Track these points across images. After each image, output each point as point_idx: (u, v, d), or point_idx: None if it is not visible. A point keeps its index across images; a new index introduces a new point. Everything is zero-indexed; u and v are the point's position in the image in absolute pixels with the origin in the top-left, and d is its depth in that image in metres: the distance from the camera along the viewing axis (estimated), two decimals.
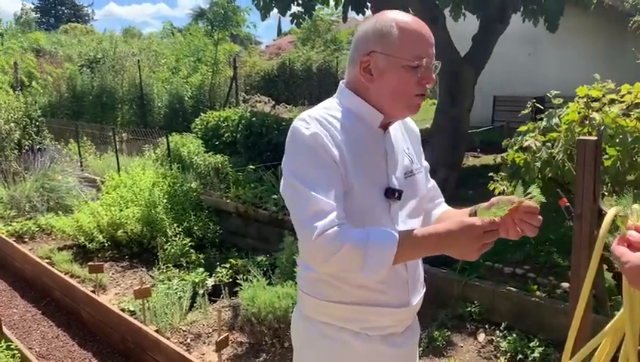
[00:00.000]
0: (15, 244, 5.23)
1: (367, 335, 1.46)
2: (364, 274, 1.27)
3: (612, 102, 3.30)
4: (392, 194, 1.41)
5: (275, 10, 8.21)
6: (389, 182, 1.43)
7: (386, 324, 1.48)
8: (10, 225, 6.11)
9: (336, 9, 9.04)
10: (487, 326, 3.62)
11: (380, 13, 1.44)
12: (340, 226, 1.26)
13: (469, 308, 3.73)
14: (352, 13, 8.65)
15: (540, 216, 1.28)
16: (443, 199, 1.72)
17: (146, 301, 3.81)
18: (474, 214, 1.42)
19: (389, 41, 1.36)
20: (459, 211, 1.57)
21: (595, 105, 3.26)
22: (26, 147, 8.48)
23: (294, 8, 8.29)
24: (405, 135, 1.57)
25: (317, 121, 1.36)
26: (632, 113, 3.23)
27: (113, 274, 5.00)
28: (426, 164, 1.66)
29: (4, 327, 3.45)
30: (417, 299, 1.53)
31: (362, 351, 1.47)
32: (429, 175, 1.67)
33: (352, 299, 1.43)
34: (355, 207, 1.35)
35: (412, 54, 1.36)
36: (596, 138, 2.17)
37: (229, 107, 10.43)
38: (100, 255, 5.30)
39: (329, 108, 1.43)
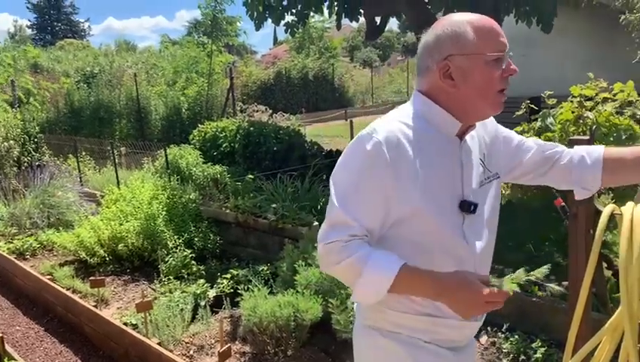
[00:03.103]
0: (16, 262, 5.24)
1: (436, 346, 1.45)
2: (355, 294, 1.30)
3: (605, 100, 3.33)
4: (467, 207, 1.38)
5: (270, 20, 8.25)
6: (464, 194, 1.39)
7: (454, 338, 1.47)
8: (11, 242, 6.12)
9: (329, 17, 9.05)
10: (489, 328, 3.62)
11: (443, 18, 1.40)
12: (347, 241, 1.28)
13: None
14: (345, 21, 8.70)
15: None
16: (564, 148, 1.62)
17: (148, 314, 3.81)
18: None
19: (467, 41, 1.34)
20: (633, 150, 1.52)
21: (589, 104, 3.29)
22: (25, 164, 8.54)
23: (288, 18, 8.32)
24: (481, 140, 1.51)
25: (387, 134, 1.32)
26: (625, 111, 3.26)
27: (115, 288, 5.00)
28: (515, 135, 1.60)
29: (6, 345, 3.45)
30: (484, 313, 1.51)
31: (428, 349, 1.46)
32: (525, 143, 1.60)
33: (420, 309, 1.41)
34: (426, 222, 1.34)
35: (493, 48, 1.34)
36: (588, 138, 2.19)
37: (227, 117, 10.46)
38: (101, 269, 5.30)
39: (404, 117, 1.39)
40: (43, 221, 6.64)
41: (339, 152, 6.95)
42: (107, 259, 5.41)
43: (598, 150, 1.57)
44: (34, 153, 8.85)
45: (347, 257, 1.27)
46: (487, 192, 1.48)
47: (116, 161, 8.35)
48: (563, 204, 2.35)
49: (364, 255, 1.27)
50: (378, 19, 8.48)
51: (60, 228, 6.28)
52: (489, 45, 1.34)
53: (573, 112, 3.22)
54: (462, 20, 1.35)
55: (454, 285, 1.26)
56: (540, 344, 3.29)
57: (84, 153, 9.42)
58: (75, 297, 4.36)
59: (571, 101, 3.25)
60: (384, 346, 1.46)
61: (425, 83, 1.41)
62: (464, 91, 1.35)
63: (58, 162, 8.52)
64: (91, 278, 4.42)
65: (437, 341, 1.45)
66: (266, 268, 4.59)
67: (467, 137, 1.44)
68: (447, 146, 1.39)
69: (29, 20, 48.60)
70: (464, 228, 1.39)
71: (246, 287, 3.93)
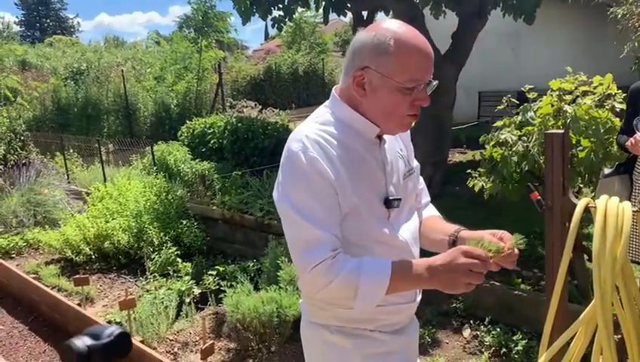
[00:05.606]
0: (1, 261, 5.20)
1: (380, 332, 1.50)
2: (357, 306, 1.29)
3: (585, 93, 3.34)
4: (391, 204, 1.43)
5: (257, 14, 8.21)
6: (387, 192, 1.44)
7: (396, 321, 1.52)
8: None
9: (317, 11, 9.02)
10: (472, 321, 3.64)
11: (377, 24, 1.38)
12: (334, 257, 1.27)
13: (453, 304, 3.75)
14: (333, 15, 8.68)
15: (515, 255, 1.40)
16: (429, 199, 1.74)
17: (132, 311, 3.80)
18: (453, 240, 1.51)
19: (385, 60, 1.31)
20: (443, 226, 1.61)
21: (568, 97, 3.30)
22: (12, 162, 8.43)
23: (275, 12, 8.28)
24: (398, 136, 1.56)
25: (315, 143, 1.32)
26: (605, 104, 3.27)
27: (101, 286, 4.99)
28: (416, 163, 1.66)
29: None
30: (420, 292, 1.61)
31: (373, 338, 1.49)
32: (420, 176, 1.69)
33: None
34: (359, 222, 1.37)
35: (408, 77, 1.32)
36: (562, 131, 2.19)
37: (216, 113, 10.43)
38: (87, 267, 5.29)
39: (324, 124, 1.40)
40: (29, 219, 6.60)
41: None
42: (93, 257, 5.39)
43: (428, 211, 1.70)
44: (20, 151, 8.76)
45: (339, 273, 1.26)
46: (408, 185, 1.55)
47: (103, 158, 8.31)
48: (539, 197, 2.35)
49: (354, 266, 1.27)
50: (365, 14, 8.46)
51: (47, 227, 6.24)
52: (404, 72, 1.31)
53: (552, 106, 3.23)
54: (390, 35, 1.32)
55: (443, 264, 1.27)
56: (521, 336, 3.31)
57: (71, 150, 9.37)
58: (60, 296, 4.33)
59: (550, 95, 3.26)
60: (331, 341, 1.49)
61: (344, 84, 1.43)
62: (370, 104, 1.38)
63: (45, 160, 8.46)
64: (75, 276, 4.40)
65: (381, 327, 1.49)
66: (252, 264, 4.59)
67: (385, 136, 1.48)
68: (368, 148, 1.43)
69: (17, 17, 48.19)
70: (391, 220, 1.45)
71: (229, 284, 3.92)
